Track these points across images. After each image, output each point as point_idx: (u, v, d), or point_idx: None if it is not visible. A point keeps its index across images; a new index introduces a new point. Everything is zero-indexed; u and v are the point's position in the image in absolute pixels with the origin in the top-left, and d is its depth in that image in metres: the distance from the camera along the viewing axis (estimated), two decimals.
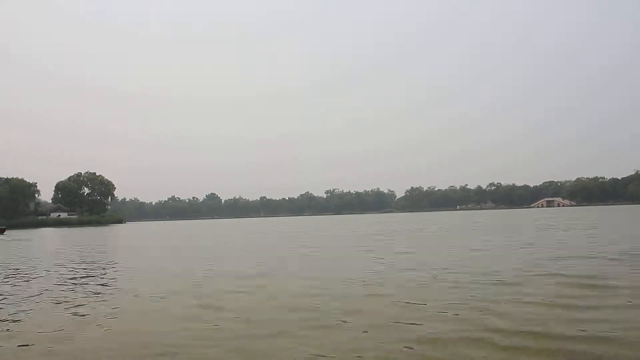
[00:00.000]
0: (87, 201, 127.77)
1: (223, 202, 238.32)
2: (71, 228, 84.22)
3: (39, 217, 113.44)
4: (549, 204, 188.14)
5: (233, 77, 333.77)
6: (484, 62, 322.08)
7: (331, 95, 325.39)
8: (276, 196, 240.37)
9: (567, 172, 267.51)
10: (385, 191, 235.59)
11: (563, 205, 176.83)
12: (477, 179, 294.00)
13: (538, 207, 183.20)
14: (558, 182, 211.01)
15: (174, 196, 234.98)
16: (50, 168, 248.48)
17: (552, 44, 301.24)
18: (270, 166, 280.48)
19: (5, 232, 57.03)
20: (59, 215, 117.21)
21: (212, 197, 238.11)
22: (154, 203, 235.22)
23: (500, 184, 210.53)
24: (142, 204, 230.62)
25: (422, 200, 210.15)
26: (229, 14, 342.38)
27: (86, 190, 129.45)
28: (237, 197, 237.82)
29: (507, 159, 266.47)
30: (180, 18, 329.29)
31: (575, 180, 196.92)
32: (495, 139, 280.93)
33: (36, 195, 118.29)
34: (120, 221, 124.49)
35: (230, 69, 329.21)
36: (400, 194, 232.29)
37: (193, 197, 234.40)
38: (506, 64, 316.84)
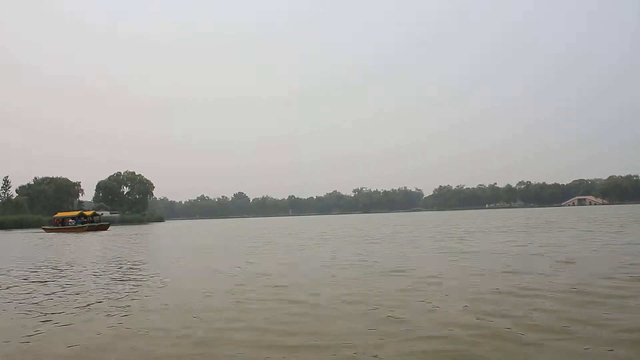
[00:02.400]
0: (127, 200, 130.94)
1: (251, 201, 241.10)
2: (116, 226, 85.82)
3: None
4: (581, 203, 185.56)
5: (255, 77, 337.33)
6: (503, 56, 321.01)
7: (353, 94, 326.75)
8: (304, 195, 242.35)
9: (585, 171, 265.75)
10: (413, 190, 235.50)
11: (595, 204, 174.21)
12: (504, 176, 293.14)
13: (569, 205, 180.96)
14: (588, 180, 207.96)
15: (203, 195, 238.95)
16: (84, 172, 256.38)
17: (562, 44, 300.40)
18: (298, 165, 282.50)
19: (109, 228, 58.35)
20: (102, 213, 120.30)
21: (240, 196, 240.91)
22: (183, 202, 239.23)
23: (529, 182, 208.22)
24: (172, 203, 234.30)
25: (450, 199, 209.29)
26: (251, 14, 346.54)
27: (126, 190, 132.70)
28: (265, 196, 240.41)
29: (529, 156, 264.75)
30: (186, 18, 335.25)
31: (607, 179, 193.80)
32: (516, 135, 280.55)
33: (80, 194, 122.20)
34: (161, 219, 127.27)
35: (252, 69, 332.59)
36: (427, 192, 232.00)
37: (222, 197, 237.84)
38: (525, 61, 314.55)
